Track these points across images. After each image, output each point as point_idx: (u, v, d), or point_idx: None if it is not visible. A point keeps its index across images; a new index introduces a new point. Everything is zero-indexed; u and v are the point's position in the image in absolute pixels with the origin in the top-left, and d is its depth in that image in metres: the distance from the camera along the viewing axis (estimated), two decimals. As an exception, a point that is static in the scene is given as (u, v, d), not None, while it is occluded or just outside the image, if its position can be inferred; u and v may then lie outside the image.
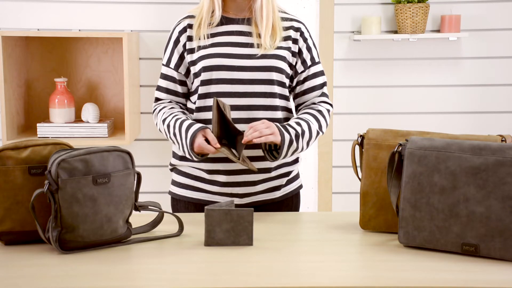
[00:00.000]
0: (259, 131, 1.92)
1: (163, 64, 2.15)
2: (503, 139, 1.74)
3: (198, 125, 1.99)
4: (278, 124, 2.00)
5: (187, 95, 2.16)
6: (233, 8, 2.12)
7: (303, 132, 2.02)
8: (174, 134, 2.03)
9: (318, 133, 2.09)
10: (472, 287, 1.46)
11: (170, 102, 2.14)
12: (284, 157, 2.01)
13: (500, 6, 3.49)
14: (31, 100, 3.33)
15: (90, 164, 1.66)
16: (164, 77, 2.14)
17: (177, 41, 2.11)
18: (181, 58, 2.11)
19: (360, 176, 1.90)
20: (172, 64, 2.12)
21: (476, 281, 1.49)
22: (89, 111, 3.18)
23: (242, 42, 2.08)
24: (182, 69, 2.12)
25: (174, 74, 2.12)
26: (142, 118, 3.42)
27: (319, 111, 2.12)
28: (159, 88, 2.16)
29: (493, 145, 1.62)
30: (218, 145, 1.93)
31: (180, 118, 2.04)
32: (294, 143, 2.00)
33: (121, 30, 3.34)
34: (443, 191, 1.65)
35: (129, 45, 3.06)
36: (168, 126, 2.05)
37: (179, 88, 2.14)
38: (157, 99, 2.17)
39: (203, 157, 2.00)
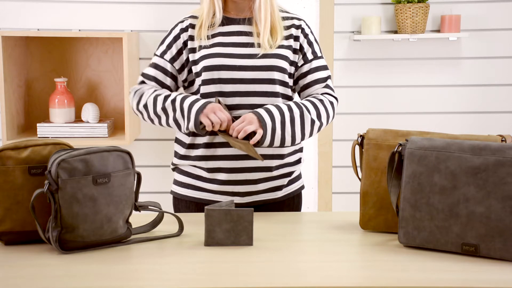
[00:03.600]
0: (243, 130, 1.93)
1: (156, 55, 2.14)
2: (503, 139, 1.74)
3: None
4: (265, 110, 1.98)
5: (171, 91, 2.15)
6: (234, 8, 2.13)
7: (292, 118, 2.00)
8: (182, 107, 1.99)
9: (314, 122, 2.04)
10: (472, 287, 1.46)
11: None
12: (270, 144, 1.98)
13: (500, 6, 3.49)
14: (31, 100, 3.33)
15: (90, 164, 1.66)
16: (155, 66, 2.13)
17: (177, 37, 2.11)
18: (179, 53, 2.11)
19: (360, 176, 1.90)
20: (168, 57, 2.11)
21: (476, 281, 1.49)
22: (89, 111, 3.18)
23: (243, 42, 2.08)
24: (177, 64, 2.11)
25: (167, 66, 2.11)
26: (142, 118, 3.42)
27: (321, 100, 2.08)
28: (146, 75, 2.13)
29: (493, 145, 1.62)
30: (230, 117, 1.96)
31: (188, 94, 2.03)
32: (279, 130, 1.97)
33: (121, 30, 3.34)
34: (443, 191, 1.65)
35: (129, 45, 3.06)
36: (174, 100, 2.01)
37: (167, 81, 2.12)
38: (142, 82, 2.14)
39: (205, 132, 1.99)
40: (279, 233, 1.86)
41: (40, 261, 1.61)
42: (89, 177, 1.66)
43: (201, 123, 1.98)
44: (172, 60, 2.11)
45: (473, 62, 3.53)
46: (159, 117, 2.07)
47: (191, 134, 2.09)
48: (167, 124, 2.06)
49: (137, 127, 3.32)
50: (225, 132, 1.99)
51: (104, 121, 3.22)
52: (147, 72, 2.14)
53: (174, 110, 2.02)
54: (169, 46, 2.12)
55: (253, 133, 1.97)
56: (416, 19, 3.36)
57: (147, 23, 3.35)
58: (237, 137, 1.96)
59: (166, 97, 2.04)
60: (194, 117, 1.98)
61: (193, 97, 2.02)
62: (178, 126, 2.04)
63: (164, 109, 2.04)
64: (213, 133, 2.04)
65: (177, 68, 2.12)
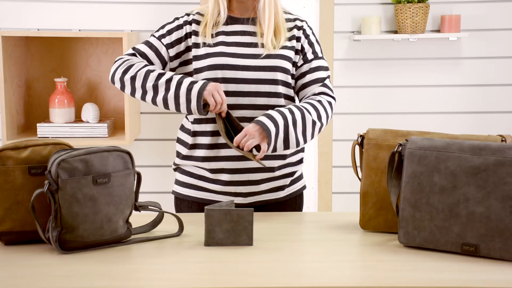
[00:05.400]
0: (246, 145, 1.93)
1: (153, 36, 2.11)
2: (503, 139, 1.74)
3: None
4: (267, 117, 1.96)
5: None
6: (238, 8, 2.13)
7: (294, 121, 1.98)
8: (178, 88, 1.96)
9: (315, 123, 2.04)
10: (472, 287, 1.46)
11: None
12: (274, 150, 1.97)
13: (500, 6, 3.49)
14: (31, 100, 3.33)
15: (90, 164, 1.66)
16: (150, 45, 2.10)
17: (180, 27, 2.10)
18: (178, 41, 2.09)
19: (360, 176, 1.90)
20: (165, 41, 2.09)
21: (476, 281, 1.49)
22: (89, 111, 3.18)
23: (247, 42, 2.08)
24: (172, 51, 2.09)
25: (162, 49, 2.09)
26: (142, 118, 3.42)
27: (319, 101, 2.07)
28: (138, 50, 2.10)
29: (493, 145, 1.62)
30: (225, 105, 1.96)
31: (184, 75, 2.01)
32: (282, 134, 1.96)
33: (121, 30, 3.34)
34: (443, 191, 1.65)
35: (129, 45, 3.06)
36: (169, 80, 1.97)
37: (157, 63, 2.09)
38: (132, 55, 2.10)
39: (204, 111, 1.96)
40: (279, 233, 1.86)
41: (40, 261, 1.61)
42: (89, 177, 1.66)
43: (204, 106, 1.97)
44: (169, 46, 2.09)
45: (473, 62, 3.53)
46: (145, 93, 2.01)
47: (195, 121, 2.08)
48: (153, 101, 2.01)
49: (137, 127, 3.32)
50: (230, 140, 1.98)
51: (104, 121, 3.22)
52: (139, 47, 2.11)
53: (167, 89, 1.98)
54: (169, 32, 2.10)
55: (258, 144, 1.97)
56: (416, 19, 3.36)
57: (147, 23, 3.35)
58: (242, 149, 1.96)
59: (160, 75, 2.00)
60: (196, 97, 1.95)
61: (190, 78, 1.99)
62: (166, 106, 2.00)
63: (154, 87, 1.99)
64: (214, 121, 2.04)
65: (170, 55, 2.10)
